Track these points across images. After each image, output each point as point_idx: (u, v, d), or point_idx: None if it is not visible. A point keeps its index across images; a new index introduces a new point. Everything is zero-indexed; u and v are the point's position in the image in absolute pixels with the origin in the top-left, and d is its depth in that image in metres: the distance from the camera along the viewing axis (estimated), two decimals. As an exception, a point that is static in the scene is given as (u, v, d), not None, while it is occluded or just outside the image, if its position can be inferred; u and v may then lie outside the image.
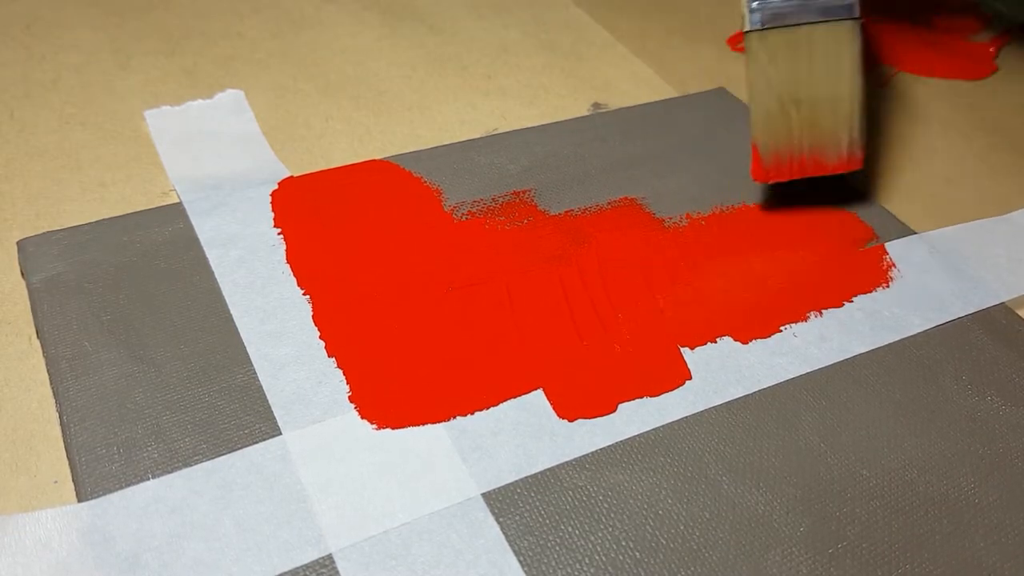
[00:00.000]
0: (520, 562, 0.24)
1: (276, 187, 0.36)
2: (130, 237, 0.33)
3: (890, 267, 0.34)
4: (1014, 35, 0.51)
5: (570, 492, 0.26)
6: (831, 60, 0.33)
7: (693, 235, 0.35)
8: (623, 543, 0.25)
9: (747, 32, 0.34)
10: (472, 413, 0.28)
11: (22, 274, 0.31)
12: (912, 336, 0.31)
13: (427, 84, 0.44)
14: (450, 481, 0.26)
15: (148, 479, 0.25)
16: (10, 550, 0.23)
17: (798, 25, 0.33)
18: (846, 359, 0.30)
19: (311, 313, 0.30)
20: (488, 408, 0.28)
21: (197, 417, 0.27)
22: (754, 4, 0.33)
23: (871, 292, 0.33)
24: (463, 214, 0.35)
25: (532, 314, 0.31)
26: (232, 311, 0.30)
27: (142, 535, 0.24)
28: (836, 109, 0.34)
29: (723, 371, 0.30)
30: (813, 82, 0.33)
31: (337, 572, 0.23)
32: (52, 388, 0.28)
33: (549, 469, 0.26)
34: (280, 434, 0.27)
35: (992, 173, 0.41)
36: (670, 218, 0.36)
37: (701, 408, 0.28)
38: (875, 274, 0.34)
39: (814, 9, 0.33)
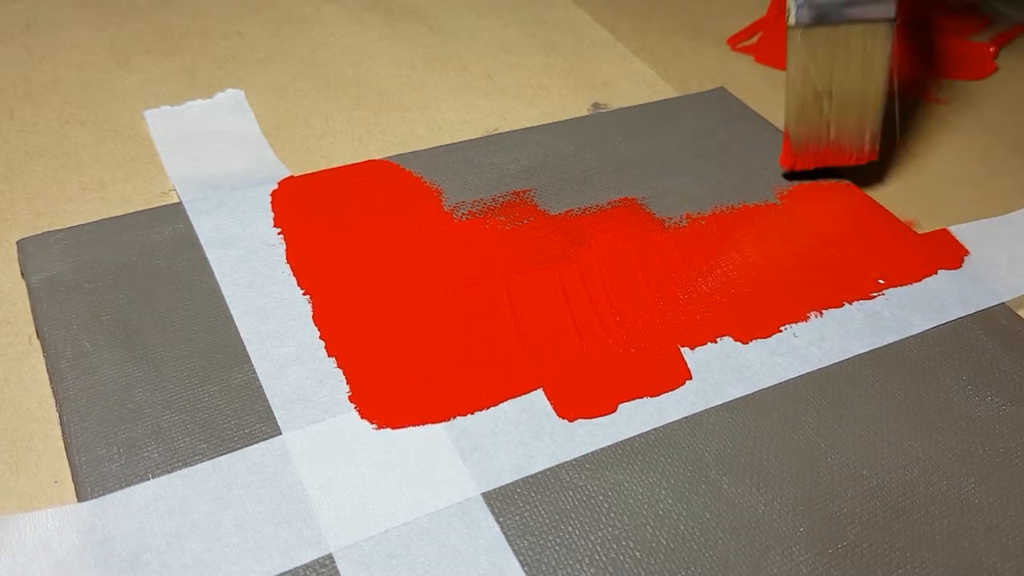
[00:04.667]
0: (520, 562, 0.24)
1: (276, 187, 0.36)
2: (130, 237, 0.33)
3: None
4: (1014, 35, 0.51)
5: (570, 492, 0.26)
6: (866, 58, 0.35)
7: (693, 235, 0.35)
8: (623, 543, 0.25)
9: (791, 26, 0.35)
10: (472, 413, 0.27)
11: (22, 274, 0.31)
12: (912, 336, 0.31)
13: (427, 84, 0.44)
14: (450, 481, 0.26)
15: (148, 479, 0.25)
16: (10, 550, 0.23)
17: (838, 23, 0.35)
18: (846, 359, 0.30)
19: (311, 313, 0.30)
20: (488, 408, 0.28)
21: (197, 417, 0.27)
22: (800, 0, 0.35)
23: (872, 293, 0.33)
24: (463, 214, 0.35)
25: (532, 314, 0.31)
26: (232, 311, 0.30)
27: (142, 535, 0.24)
28: (863, 104, 0.36)
29: (723, 371, 0.30)
30: (847, 78, 0.35)
31: (337, 572, 0.23)
32: (52, 388, 0.28)
33: (549, 469, 0.26)
34: (280, 434, 0.27)
35: (992, 173, 0.41)
36: (670, 218, 0.36)
37: (701, 408, 0.28)
38: (877, 273, 0.34)
39: (855, 9, 0.35)
